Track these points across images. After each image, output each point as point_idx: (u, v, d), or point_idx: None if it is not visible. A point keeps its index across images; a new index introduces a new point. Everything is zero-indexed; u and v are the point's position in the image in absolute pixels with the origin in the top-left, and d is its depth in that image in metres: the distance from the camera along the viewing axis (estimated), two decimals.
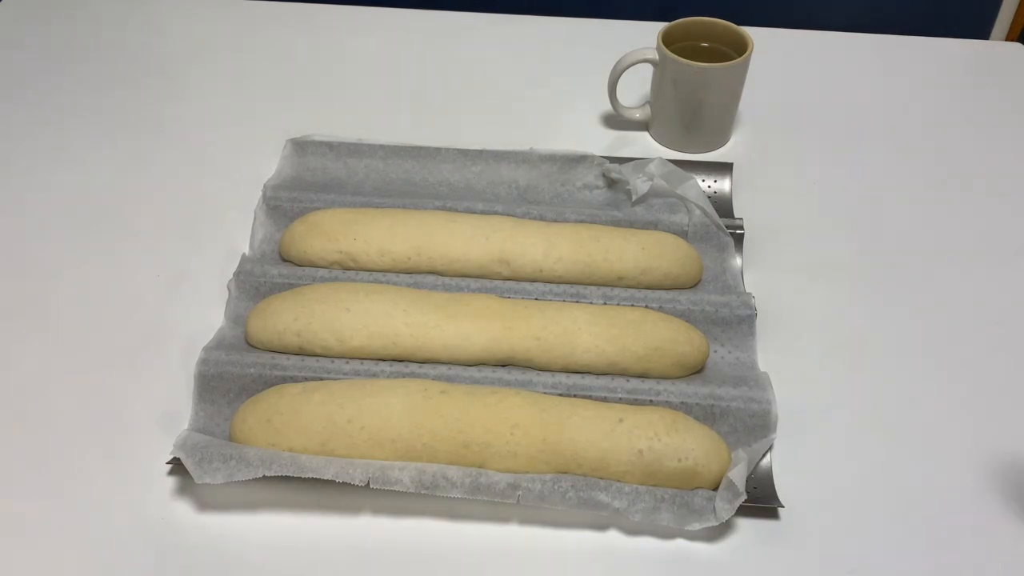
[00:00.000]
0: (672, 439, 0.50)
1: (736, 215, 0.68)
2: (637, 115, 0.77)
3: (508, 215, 0.66)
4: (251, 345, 0.58)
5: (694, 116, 0.74)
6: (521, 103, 0.82)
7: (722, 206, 0.69)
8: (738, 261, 0.64)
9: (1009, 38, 1.34)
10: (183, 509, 0.51)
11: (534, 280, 0.62)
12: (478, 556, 0.49)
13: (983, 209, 0.71)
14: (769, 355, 0.59)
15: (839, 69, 0.87)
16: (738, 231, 0.65)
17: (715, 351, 0.59)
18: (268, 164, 0.73)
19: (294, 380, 0.55)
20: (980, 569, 0.48)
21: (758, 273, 0.64)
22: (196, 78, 0.85)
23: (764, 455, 0.52)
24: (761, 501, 0.50)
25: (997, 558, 0.49)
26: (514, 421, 0.51)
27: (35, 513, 0.51)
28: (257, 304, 0.59)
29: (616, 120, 0.79)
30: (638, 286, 0.62)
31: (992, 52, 0.91)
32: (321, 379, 0.55)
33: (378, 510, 0.51)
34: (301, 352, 0.57)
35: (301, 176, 0.71)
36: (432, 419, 0.51)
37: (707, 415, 0.54)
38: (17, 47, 0.88)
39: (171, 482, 0.52)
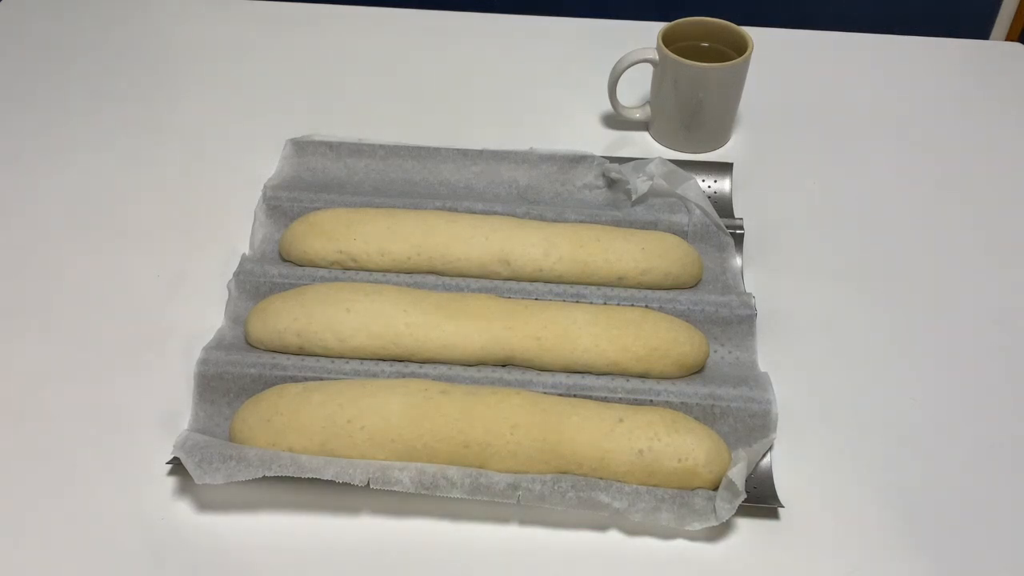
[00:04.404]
0: (672, 439, 0.50)
1: (736, 215, 0.68)
2: (637, 115, 0.77)
3: (508, 215, 0.66)
4: (251, 345, 0.58)
5: (694, 116, 0.74)
6: (521, 103, 0.82)
7: (722, 206, 0.69)
8: (738, 261, 0.64)
9: (1009, 38, 1.34)
10: (183, 509, 0.51)
11: (534, 280, 0.62)
12: (478, 556, 0.49)
13: (983, 209, 0.71)
14: (769, 355, 0.59)
15: (839, 69, 0.87)
16: (738, 231, 0.65)
17: (715, 351, 0.59)
18: (268, 164, 0.73)
19: (294, 380, 0.55)
20: (980, 569, 0.48)
21: (758, 273, 0.64)
22: (196, 78, 0.85)
23: (764, 455, 0.52)
24: (761, 501, 0.50)
25: (997, 558, 0.49)
26: (514, 421, 0.51)
27: (35, 513, 0.51)
28: (257, 304, 0.59)
29: (616, 120, 0.79)
30: (638, 286, 0.62)
31: (992, 52, 0.91)
32: (321, 379, 0.55)
33: (378, 510, 0.51)
34: (301, 352, 0.57)
35: (301, 176, 0.71)
36: (432, 419, 0.51)
37: (707, 415, 0.54)
38: (17, 47, 0.88)
39: (171, 482, 0.52)
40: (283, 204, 0.67)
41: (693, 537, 0.50)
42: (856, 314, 0.62)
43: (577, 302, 0.60)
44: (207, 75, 0.85)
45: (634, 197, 0.67)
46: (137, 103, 0.81)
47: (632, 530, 0.50)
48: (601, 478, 0.50)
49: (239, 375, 0.55)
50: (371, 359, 0.57)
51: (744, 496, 0.48)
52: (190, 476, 0.49)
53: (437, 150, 0.71)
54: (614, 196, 0.69)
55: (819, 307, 0.63)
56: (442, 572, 0.48)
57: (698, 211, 0.65)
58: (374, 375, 0.56)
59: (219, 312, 0.61)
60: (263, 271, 0.62)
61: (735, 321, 0.59)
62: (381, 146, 0.72)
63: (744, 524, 0.50)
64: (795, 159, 0.76)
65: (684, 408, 0.54)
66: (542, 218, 0.66)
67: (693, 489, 0.50)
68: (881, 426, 0.55)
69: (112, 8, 0.94)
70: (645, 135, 0.78)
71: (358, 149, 0.72)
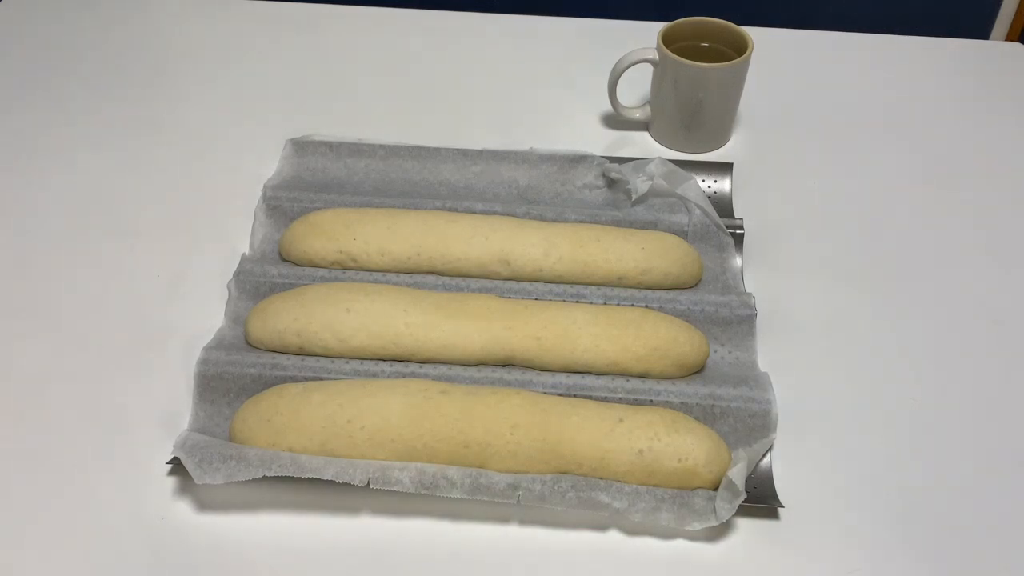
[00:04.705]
0: (672, 439, 0.50)
1: (736, 215, 0.68)
2: (637, 115, 0.77)
3: (508, 215, 0.66)
4: (251, 345, 0.58)
5: (694, 116, 0.74)
6: (521, 103, 0.82)
7: (722, 206, 0.69)
8: (738, 261, 0.64)
9: (1009, 38, 1.34)
10: (183, 509, 0.51)
11: (534, 280, 0.62)
12: (478, 556, 0.49)
13: (983, 209, 0.71)
14: (769, 355, 0.59)
15: (839, 69, 0.87)
16: (738, 231, 0.65)
17: (715, 351, 0.59)
18: (268, 164, 0.73)
19: (294, 380, 0.55)
20: (980, 569, 0.48)
21: (758, 273, 0.64)
22: (196, 78, 0.85)
23: (764, 455, 0.52)
24: (761, 501, 0.50)
25: (997, 558, 0.49)
26: (514, 421, 0.51)
27: (35, 513, 0.51)
28: (257, 304, 0.59)
29: (616, 120, 0.79)
30: (638, 286, 0.62)
31: (992, 52, 0.91)
32: (321, 379, 0.55)
33: (378, 510, 0.51)
34: (301, 352, 0.57)
35: (301, 176, 0.71)
36: (432, 419, 0.51)
37: (707, 415, 0.54)
38: (17, 47, 0.88)
39: (171, 482, 0.52)
40: (283, 204, 0.67)
41: (693, 537, 0.50)
42: (856, 314, 0.62)
43: (577, 302, 0.60)
44: (207, 75, 0.85)
45: (634, 197, 0.67)
46: (137, 103, 0.81)
47: (632, 530, 0.50)
48: (601, 478, 0.50)
49: (239, 375, 0.55)
50: (371, 359, 0.57)
51: (744, 496, 0.48)
52: (190, 476, 0.49)
53: (437, 150, 0.71)
54: (614, 196, 0.69)
55: (819, 307, 0.63)
56: (442, 572, 0.48)
57: (698, 211, 0.65)
58: (374, 375, 0.56)
59: (219, 312, 0.61)
60: (263, 271, 0.62)
61: (735, 321, 0.59)
62: (381, 146, 0.72)
63: (744, 524, 0.50)
64: (795, 159, 0.76)
65: (684, 408, 0.54)
66: (542, 218, 0.66)
67: (693, 489, 0.50)
68: (881, 426, 0.55)
69: (112, 8, 0.94)
70: (645, 135, 0.78)
71: (358, 149, 0.72)
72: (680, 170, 0.66)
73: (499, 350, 0.56)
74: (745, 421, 0.53)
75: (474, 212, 0.66)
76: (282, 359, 0.56)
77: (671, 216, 0.66)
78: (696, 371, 0.57)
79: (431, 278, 0.62)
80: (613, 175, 0.68)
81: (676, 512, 0.49)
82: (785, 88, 0.84)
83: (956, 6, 1.31)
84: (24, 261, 0.66)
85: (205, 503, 0.51)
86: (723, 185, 0.70)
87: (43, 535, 0.50)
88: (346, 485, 0.49)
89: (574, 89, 0.82)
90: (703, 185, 0.70)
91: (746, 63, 0.71)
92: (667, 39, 0.73)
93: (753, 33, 0.72)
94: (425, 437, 0.51)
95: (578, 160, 0.69)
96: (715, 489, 0.50)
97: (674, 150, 0.76)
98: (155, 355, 0.59)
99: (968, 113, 0.81)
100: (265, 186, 0.68)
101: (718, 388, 0.54)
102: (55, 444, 0.54)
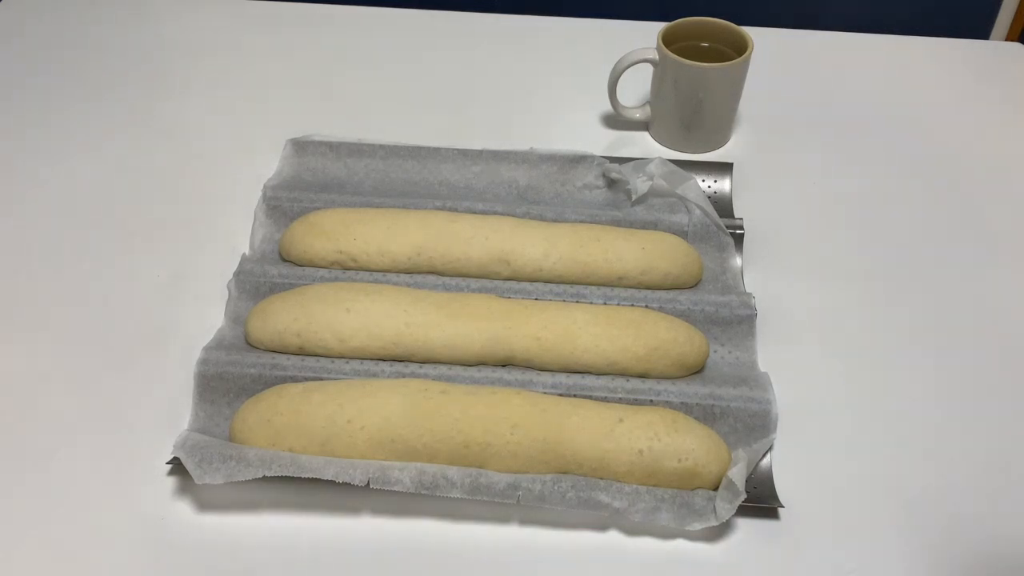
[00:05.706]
0: (672, 439, 0.50)
1: (736, 215, 0.68)
2: (637, 115, 0.77)
3: (508, 215, 0.66)
4: (251, 345, 0.58)
5: (694, 116, 0.74)
6: (521, 103, 0.82)
7: (722, 206, 0.69)
8: (738, 261, 0.64)
9: (1009, 38, 1.34)
10: (183, 509, 0.51)
11: (534, 280, 0.62)
12: (478, 556, 0.49)
13: (983, 209, 0.71)
14: (769, 355, 0.59)
15: (839, 69, 0.87)
16: (738, 231, 0.65)
17: (715, 351, 0.59)
18: (268, 164, 0.73)
19: (294, 380, 0.55)
20: (980, 569, 0.48)
21: (758, 273, 0.64)
22: (196, 78, 0.85)
23: (764, 455, 0.52)
24: (761, 501, 0.50)
25: (997, 558, 0.49)
26: (514, 421, 0.51)
27: (35, 513, 0.51)
28: (257, 304, 0.59)
29: (616, 120, 0.79)
30: (638, 286, 0.62)
31: (992, 52, 0.91)
32: (321, 379, 0.55)
33: (378, 510, 0.51)
34: (301, 352, 0.57)
35: (301, 176, 0.71)
36: (432, 419, 0.51)
37: (707, 415, 0.54)
38: (17, 47, 0.88)
39: (171, 482, 0.52)
40: (283, 204, 0.67)
41: (693, 537, 0.50)
42: (856, 314, 0.62)
43: (577, 302, 0.60)
44: (207, 75, 0.85)
45: (634, 197, 0.67)
46: (137, 103, 0.81)
47: (632, 530, 0.50)
48: (601, 478, 0.50)
49: (239, 375, 0.55)
50: (371, 359, 0.57)
51: (744, 496, 0.48)
52: (190, 476, 0.49)
53: (437, 150, 0.71)
54: (614, 196, 0.69)
55: (819, 307, 0.63)
56: (442, 572, 0.48)
57: (698, 211, 0.65)
58: (374, 375, 0.56)
59: (219, 312, 0.61)
60: (263, 271, 0.62)
61: (735, 321, 0.59)
62: (381, 146, 0.72)
63: (744, 524, 0.50)
64: (795, 159, 0.76)
65: (684, 408, 0.54)
66: (542, 218, 0.66)
67: (693, 489, 0.50)
68: (881, 426, 0.55)
69: (112, 8, 0.94)
70: (645, 135, 0.78)
71: (358, 149, 0.72)
72: (680, 170, 0.66)
73: (499, 350, 0.56)
74: (745, 421, 0.53)
75: (474, 212, 0.66)
76: (282, 359, 0.56)
77: (671, 216, 0.66)
78: (696, 371, 0.57)
79: (431, 278, 0.62)
80: (613, 175, 0.68)
81: (676, 512, 0.49)
82: (785, 88, 0.84)
83: (956, 6, 1.31)
84: (24, 261, 0.66)
85: (205, 503, 0.51)
86: (723, 185, 0.70)
87: (43, 535, 0.50)
88: (346, 485, 0.49)
89: (574, 89, 0.82)
90: (703, 185, 0.70)
91: (746, 63, 0.71)
92: (667, 39, 0.73)
93: (753, 33, 0.72)
94: (425, 437, 0.51)
95: (578, 160, 0.69)
96: (715, 489, 0.50)
97: (674, 150, 0.76)
98: (155, 355, 0.59)
99: (968, 113, 0.81)
100: (265, 186, 0.68)
101: (718, 388, 0.54)
102: (55, 444, 0.54)
